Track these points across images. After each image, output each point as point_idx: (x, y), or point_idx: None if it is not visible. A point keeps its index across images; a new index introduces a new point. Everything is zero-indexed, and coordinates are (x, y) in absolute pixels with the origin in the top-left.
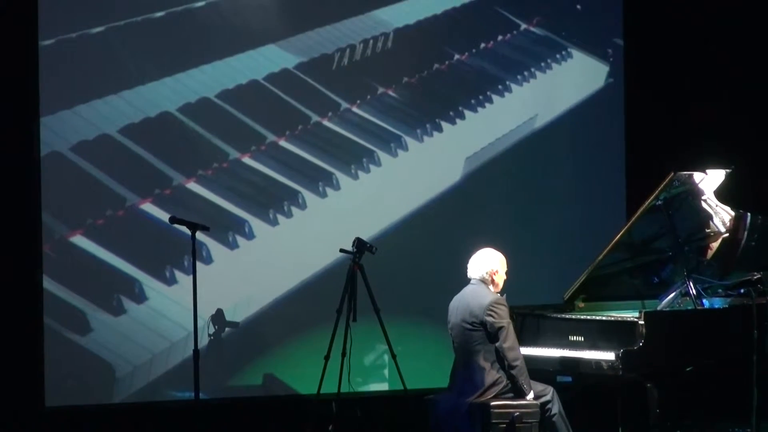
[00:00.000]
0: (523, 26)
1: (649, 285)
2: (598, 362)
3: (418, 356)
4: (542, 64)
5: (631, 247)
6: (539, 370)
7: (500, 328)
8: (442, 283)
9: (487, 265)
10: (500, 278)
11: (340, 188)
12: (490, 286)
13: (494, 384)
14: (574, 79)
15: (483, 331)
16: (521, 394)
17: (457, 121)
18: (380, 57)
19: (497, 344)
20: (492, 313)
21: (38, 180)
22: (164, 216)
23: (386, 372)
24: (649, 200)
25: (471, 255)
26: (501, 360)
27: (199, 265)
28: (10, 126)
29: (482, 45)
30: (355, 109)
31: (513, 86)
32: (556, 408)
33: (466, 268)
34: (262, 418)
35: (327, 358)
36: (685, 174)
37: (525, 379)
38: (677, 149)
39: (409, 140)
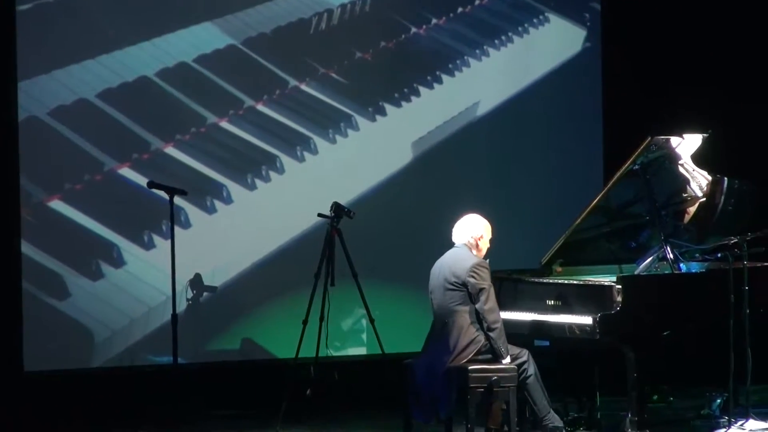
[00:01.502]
0: None
1: (626, 249)
2: (575, 326)
3: (396, 320)
4: (519, 28)
5: (609, 211)
6: (516, 334)
7: (481, 289)
8: (421, 247)
9: (473, 230)
10: (484, 244)
11: (318, 152)
12: (474, 251)
13: (471, 343)
14: (551, 43)
15: (464, 291)
16: (498, 357)
17: (435, 85)
18: (358, 21)
19: (477, 306)
20: (474, 275)
21: (16, 144)
22: (142, 181)
23: (364, 336)
24: (626, 165)
25: (448, 219)
26: (480, 321)
27: (177, 229)
28: None
29: (459, 9)
30: (332, 74)
31: (490, 51)
32: (531, 370)
33: (444, 231)
34: (241, 383)
35: (305, 322)
36: (662, 138)
37: (503, 342)
38: (654, 114)
39: (387, 105)
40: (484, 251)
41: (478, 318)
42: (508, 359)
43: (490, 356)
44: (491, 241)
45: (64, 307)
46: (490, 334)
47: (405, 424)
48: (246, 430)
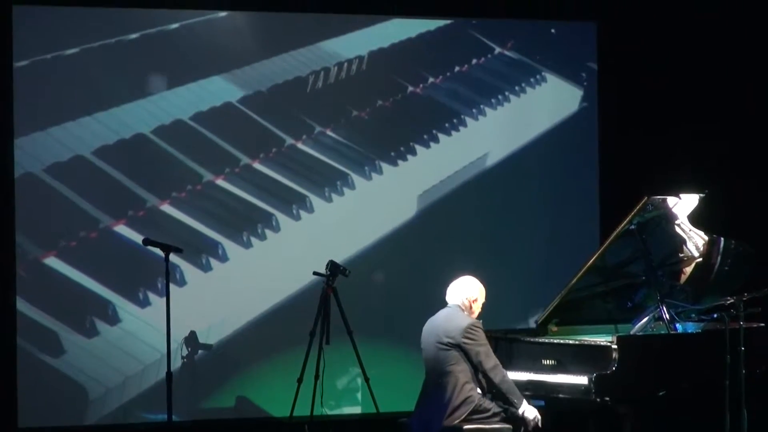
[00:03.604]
0: (498, 50)
1: (622, 309)
2: (570, 386)
3: (391, 379)
4: (516, 87)
5: (605, 271)
6: None
7: (479, 351)
8: (416, 306)
9: (468, 292)
10: (478, 307)
11: (314, 211)
12: (466, 312)
13: (465, 402)
14: (548, 103)
15: (457, 351)
16: (514, 408)
17: (431, 144)
18: (355, 80)
19: (480, 367)
20: (470, 337)
21: (12, 201)
22: (138, 238)
23: (359, 395)
24: (622, 224)
25: (444, 278)
26: (475, 379)
27: (172, 287)
28: None
29: (456, 68)
30: (329, 132)
31: (487, 110)
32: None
33: (440, 290)
34: None
35: (300, 380)
36: (658, 198)
37: (515, 393)
38: (651, 174)
39: (383, 164)
40: (476, 314)
41: (474, 377)
42: (524, 405)
43: (484, 416)
44: (483, 305)
45: (59, 364)
46: (501, 389)
47: None
48: None
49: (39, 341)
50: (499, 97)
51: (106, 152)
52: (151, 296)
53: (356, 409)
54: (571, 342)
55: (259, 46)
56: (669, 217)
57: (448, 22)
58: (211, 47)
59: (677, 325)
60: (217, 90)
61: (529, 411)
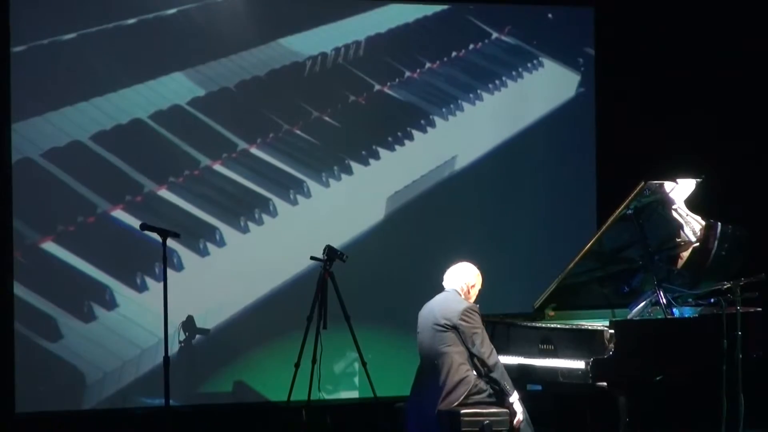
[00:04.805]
0: (495, 35)
1: (619, 294)
2: (567, 371)
3: (388, 364)
4: (513, 72)
5: (602, 255)
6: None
7: (475, 333)
8: (413, 290)
9: (467, 277)
10: (475, 292)
11: (311, 196)
12: (463, 297)
13: (461, 382)
14: (545, 88)
15: (453, 333)
16: (504, 396)
17: (428, 129)
18: (351, 65)
19: (474, 349)
20: (466, 318)
21: (9, 186)
22: (135, 223)
23: (356, 379)
24: (619, 209)
25: (441, 263)
26: (471, 362)
27: (169, 272)
28: None
29: (453, 53)
30: (326, 117)
31: (484, 95)
32: (522, 415)
33: (437, 275)
34: (233, 425)
35: (297, 365)
36: (655, 183)
37: (507, 380)
38: (648, 158)
39: (380, 149)
40: (473, 300)
41: (469, 359)
42: (515, 395)
43: (480, 397)
44: (480, 291)
45: (57, 349)
46: (493, 375)
47: None
48: None
49: (37, 326)
50: (496, 82)
51: (104, 138)
52: (149, 281)
53: (353, 394)
54: (568, 326)
55: (256, 32)
56: (666, 202)
57: (446, 7)
58: (208, 32)
59: (674, 309)
60: (215, 75)
61: (517, 404)
